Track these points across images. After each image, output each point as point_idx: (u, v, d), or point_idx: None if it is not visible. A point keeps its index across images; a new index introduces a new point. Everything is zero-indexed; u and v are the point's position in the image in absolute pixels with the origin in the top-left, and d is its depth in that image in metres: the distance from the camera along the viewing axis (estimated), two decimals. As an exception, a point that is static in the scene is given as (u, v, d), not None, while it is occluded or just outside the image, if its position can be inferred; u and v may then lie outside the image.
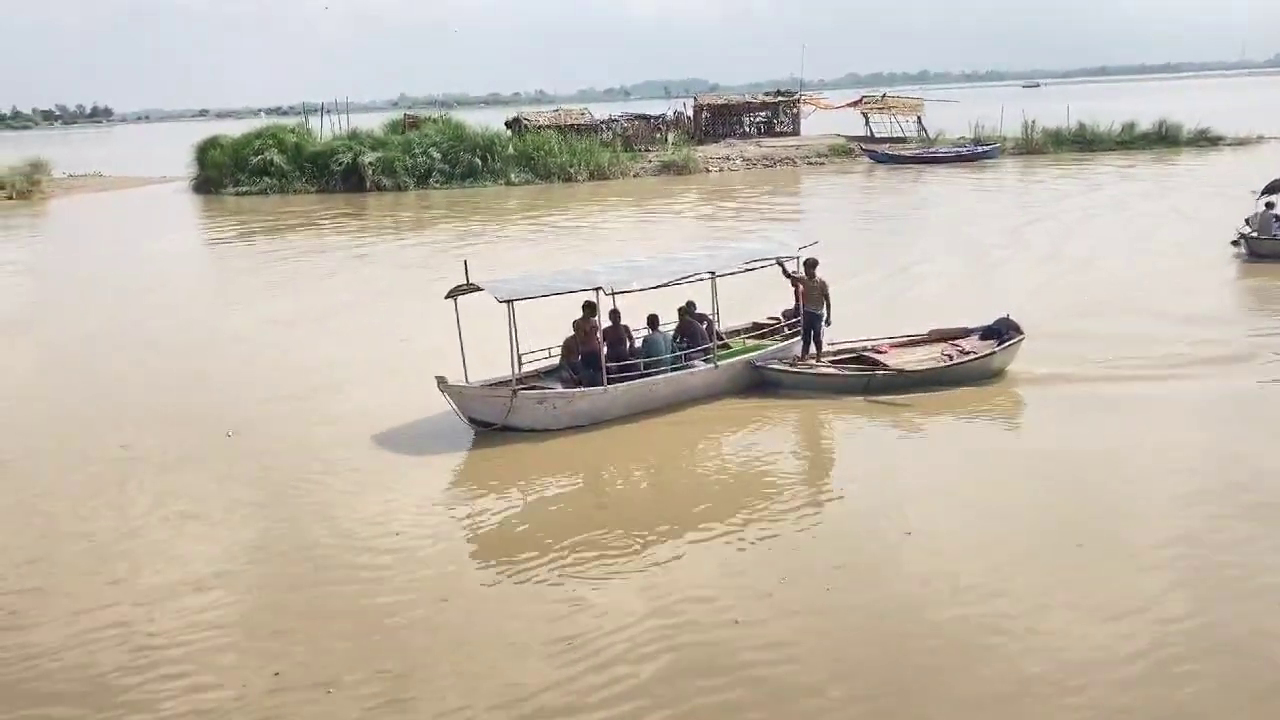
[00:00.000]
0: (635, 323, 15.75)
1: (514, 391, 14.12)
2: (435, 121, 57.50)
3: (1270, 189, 25.13)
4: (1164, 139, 57.25)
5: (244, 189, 51.13)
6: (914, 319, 18.27)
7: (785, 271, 16.40)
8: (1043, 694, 7.88)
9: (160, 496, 12.49)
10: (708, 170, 53.91)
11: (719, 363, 15.54)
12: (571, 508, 12.18)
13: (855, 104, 64.04)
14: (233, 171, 52.49)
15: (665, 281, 15.19)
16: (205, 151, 54.82)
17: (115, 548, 11.11)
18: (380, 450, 13.90)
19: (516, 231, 35.93)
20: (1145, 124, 58.00)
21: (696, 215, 38.87)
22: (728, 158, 55.97)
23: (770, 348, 16.36)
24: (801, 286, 16.09)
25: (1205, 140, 57.08)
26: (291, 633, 9.25)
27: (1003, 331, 16.14)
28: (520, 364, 14.77)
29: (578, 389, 14.62)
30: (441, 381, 13.95)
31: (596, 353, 14.78)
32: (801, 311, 16.08)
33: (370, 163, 50.90)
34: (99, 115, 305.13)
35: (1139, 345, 17.13)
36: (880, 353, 16.06)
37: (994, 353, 15.57)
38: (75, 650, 9.00)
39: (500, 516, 11.92)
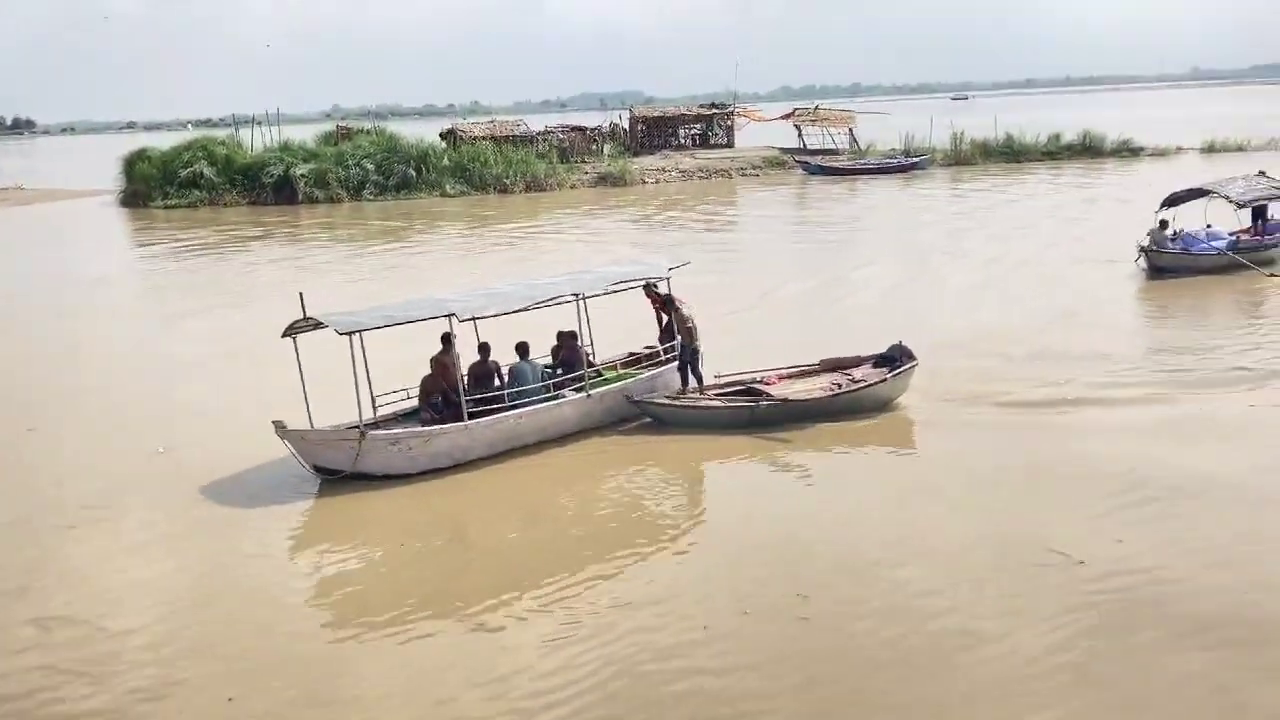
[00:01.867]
0: (509, 357, 14.59)
1: (362, 433, 12.72)
2: (368, 133, 57.16)
3: (1169, 202, 25.22)
4: (1088, 149, 58.69)
5: (173, 202, 50.20)
6: (833, 337, 17.94)
7: (650, 292, 15.79)
8: None
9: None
10: (644, 182, 54.14)
11: (592, 391, 14.45)
12: (431, 560, 11.03)
13: (788, 116, 64.70)
14: (161, 184, 51.49)
15: (524, 306, 14.06)
16: (133, 164, 53.75)
17: None
18: (209, 502, 12.57)
19: (449, 243, 35.80)
20: (1070, 135, 59.43)
21: (635, 226, 38.98)
22: (664, 169, 56.26)
23: (644, 376, 15.30)
24: (668, 314, 15.53)
25: (1127, 151, 58.61)
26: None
27: (896, 358, 15.41)
28: (375, 406, 13.74)
29: (435, 428, 13.28)
30: (279, 427, 12.60)
31: (456, 388, 13.58)
32: (678, 345, 15.25)
33: (303, 175, 50.33)
34: (21, 127, 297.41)
35: (1039, 369, 16.60)
36: (769, 384, 15.17)
37: (883, 380, 14.87)
38: None
39: (347, 574, 10.81)
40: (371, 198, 50.33)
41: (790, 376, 15.51)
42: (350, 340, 12.64)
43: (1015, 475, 12.44)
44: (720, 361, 15.79)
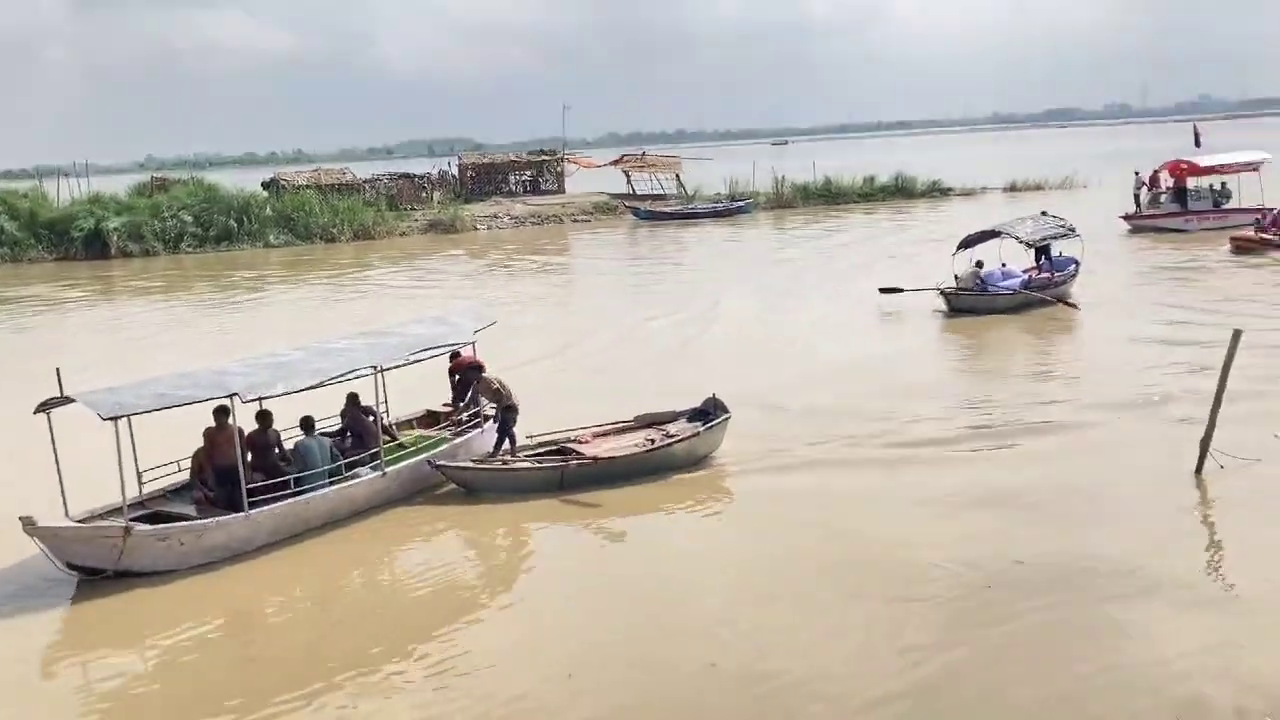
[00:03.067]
0: (289, 421, 13.39)
1: (126, 529, 11.31)
2: (186, 183, 55.13)
3: (964, 244, 25.72)
4: (901, 191, 61.72)
5: (-30, 257, 47.09)
6: (654, 389, 17.80)
7: (454, 359, 15.26)
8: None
9: None
10: (476, 228, 53.95)
11: (388, 469, 13.40)
12: (208, 666, 9.94)
13: (617, 162, 65.65)
14: (-44, 239, 48.23)
15: (317, 382, 12.84)
16: (-76, 217, 50.17)
17: None
18: None
19: (275, 297, 34.78)
20: (884, 177, 62.32)
21: (466, 274, 38.77)
22: (495, 215, 56.22)
23: (452, 442, 14.50)
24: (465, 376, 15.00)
25: (937, 191, 61.94)
26: None
27: (710, 412, 15.16)
28: (141, 483, 12.52)
29: (210, 520, 11.94)
30: (28, 523, 11.14)
31: (234, 467, 12.20)
32: (491, 409, 14.71)
33: (115, 228, 47.96)
34: None
35: (849, 422, 16.28)
36: (582, 442, 14.58)
37: (696, 434, 14.52)
38: None
39: (115, 686, 9.70)
40: (191, 250, 48.45)
41: (605, 434, 14.98)
42: (115, 424, 11.28)
43: (818, 537, 12.13)
44: (535, 419, 15.11)
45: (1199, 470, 13.29)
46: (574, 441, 14.67)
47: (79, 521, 11.65)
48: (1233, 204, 37.74)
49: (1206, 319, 22.31)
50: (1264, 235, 31.80)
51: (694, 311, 27.62)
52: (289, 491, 12.58)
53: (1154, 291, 27.01)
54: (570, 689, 9.07)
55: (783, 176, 61.10)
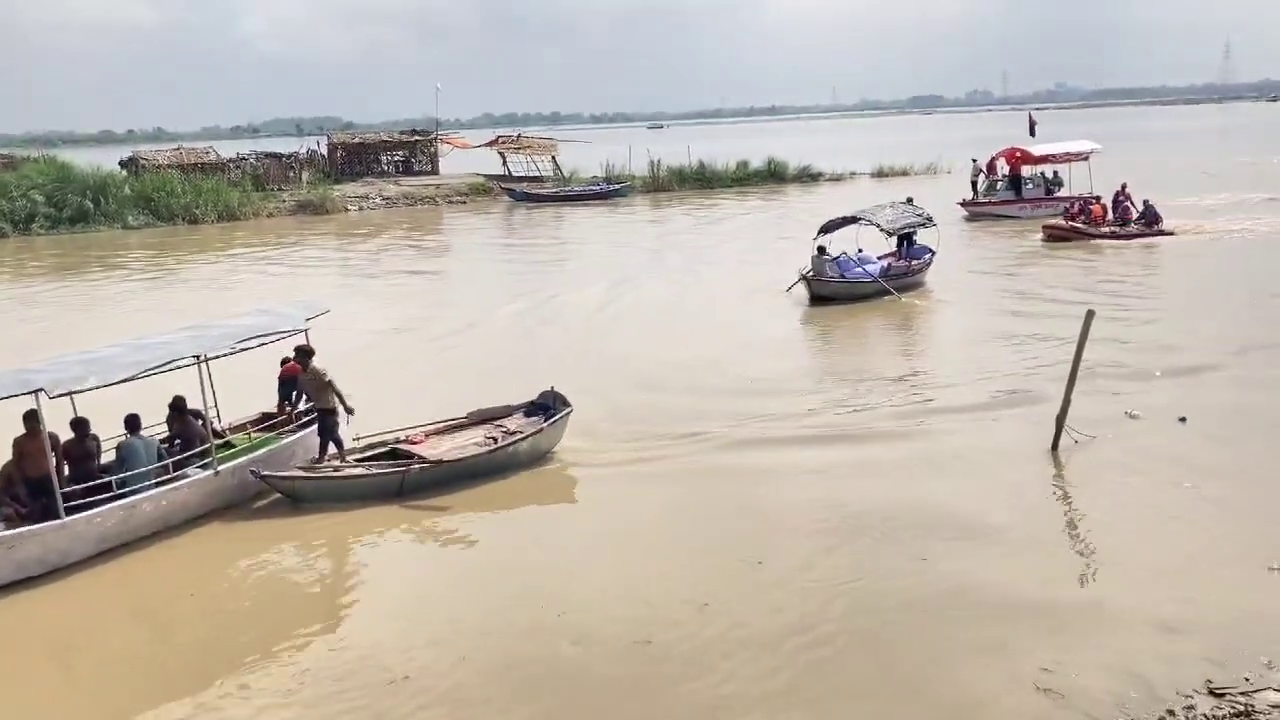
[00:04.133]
0: (114, 429, 12.38)
1: None
2: (36, 161, 52.52)
3: (824, 229, 25.74)
4: (773, 175, 62.69)
5: None
6: (497, 380, 17.27)
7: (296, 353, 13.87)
8: None
9: None
10: (347, 209, 52.88)
11: (220, 467, 12.42)
12: (19, 699, 8.96)
13: (492, 144, 65.12)
14: None
15: (133, 374, 11.62)
16: None
17: None
18: None
19: (131, 281, 33.46)
20: (756, 162, 63.23)
21: (331, 257, 37.99)
22: (367, 196, 55.16)
23: (273, 446, 13.30)
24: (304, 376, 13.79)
25: (808, 176, 63.10)
26: None
27: (549, 406, 14.71)
28: None
29: (22, 529, 10.74)
30: None
31: (48, 476, 11.03)
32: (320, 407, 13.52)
33: (-42, 207, 45.48)
34: None
35: (698, 411, 16.00)
36: (415, 443, 13.76)
37: (540, 431, 14.01)
38: None
39: None
40: (42, 231, 46.23)
41: (438, 433, 14.25)
42: None
43: (668, 527, 11.99)
44: (381, 411, 14.59)
45: (1055, 446, 13.86)
46: (406, 442, 13.79)
47: None
48: (1064, 192, 38.76)
49: (1039, 304, 23.40)
50: (1073, 224, 33.09)
51: (553, 296, 27.39)
52: (110, 495, 11.44)
53: (991, 278, 27.52)
54: (455, 677, 9.00)
55: (658, 160, 61.45)
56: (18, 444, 11.44)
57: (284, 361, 14.59)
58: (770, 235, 37.66)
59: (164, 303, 27.86)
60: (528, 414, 14.83)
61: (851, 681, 8.67)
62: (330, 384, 13.27)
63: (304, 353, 13.44)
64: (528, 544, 11.87)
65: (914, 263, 26.31)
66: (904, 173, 62.74)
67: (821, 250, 25.19)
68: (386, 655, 9.26)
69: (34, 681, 9.25)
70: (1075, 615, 9.51)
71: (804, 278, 24.83)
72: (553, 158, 63.87)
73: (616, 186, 58.30)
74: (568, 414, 14.53)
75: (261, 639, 9.78)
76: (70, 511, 11.00)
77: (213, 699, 8.72)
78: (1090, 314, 13.85)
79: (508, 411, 14.95)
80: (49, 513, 10.99)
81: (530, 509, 12.95)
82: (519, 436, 13.92)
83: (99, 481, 11.55)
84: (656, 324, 23.59)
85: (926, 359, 19.91)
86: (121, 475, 11.74)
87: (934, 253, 26.94)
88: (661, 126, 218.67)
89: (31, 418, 11.22)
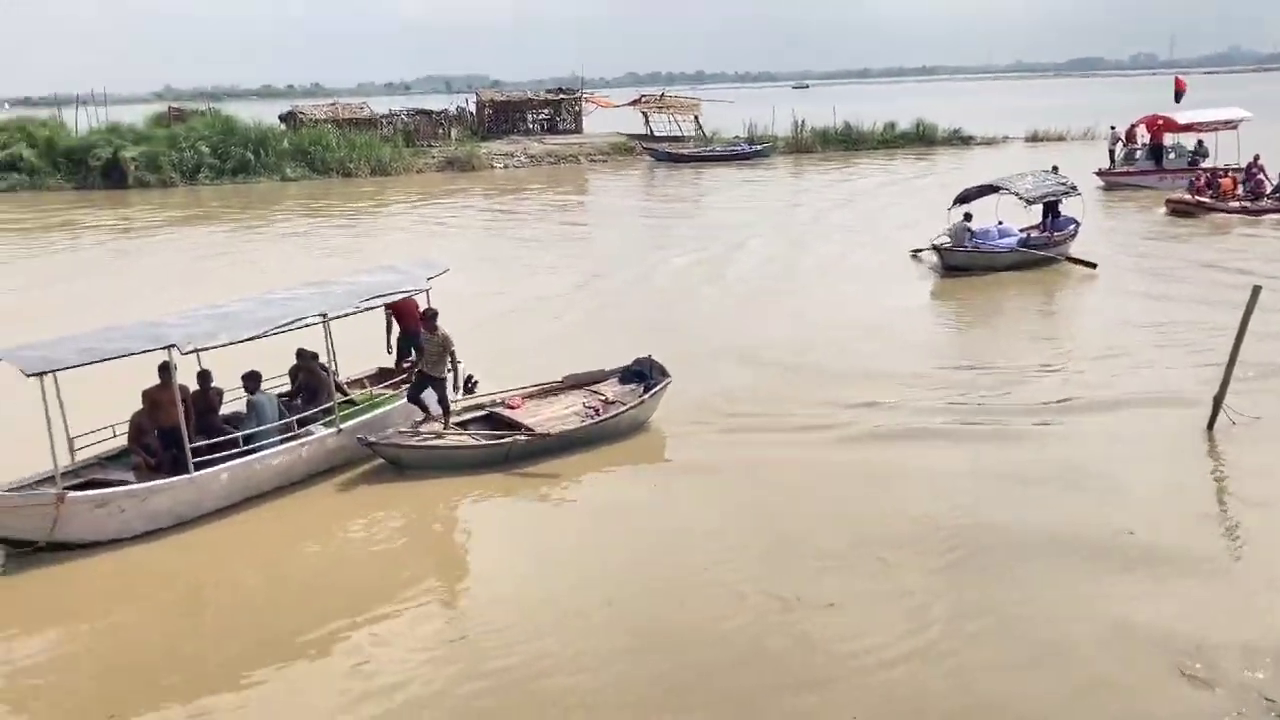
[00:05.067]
0: (230, 383, 12.68)
1: (60, 496, 10.39)
2: (203, 114, 54.98)
3: (960, 199, 24.88)
4: (921, 138, 61.17)
5: (-12, 185, 47.27)
6: (614, 343, 17.02)
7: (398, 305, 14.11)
8: None
9: None
10: (493, 166, 53.80)
11: (343, 425, 12.64)
12: (152, 642, 9.20)
13: (635, 103, 65.22)
14: (-25, 166, 48.43)
15: (262, 331, 11.77)
16: (-58, 145, 50.36)
17: None
18: None
19: (293, 231, 34.87)
20: (904, 124, 61.78)
21: (483, 211, 38.81)
22: (512, 154, 56.01)
23: (395, 404, 13.46)
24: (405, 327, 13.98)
25: (958, 140, 61.35)
26: None
27: (645, 374, 14.44)
28: (73, 450, 11.58)
29: (154, 483, 11.03)
30: None
31: (178, 428, 11.30)
32: (416, 372, 13.54)
33: (133, 158, 48.06)
34: None
35: (815, 388, 15.50)
36: (512, 407, 13.77)
37: (642, 402, 13.85)
38: None
39: (39, 669, 8.89)
40: (208, 182, 48.49)
41: (533, 396, 14.19)
42: (42, 381, 10.29)
43: (770, 513, 11.48)
44: (487, 371, 14.65)
45: (1211, 426, 13.30)
46: (503, 406, 13.84)
47: (6, 491, 10.70)
48: (1210, 163, 36.16)
49: (1170, 284, 22.21)
50: (1199, 198, 30.99)
51: (677, 258, 27.31)
52: (238, 450, 11.71)
53: (1118, 254, 25.91)
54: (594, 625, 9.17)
55: (802, 121, 60.61)
56: (150, 394, 11.76)
57: (388, 308, 14.51)
58: (912, 200, 36.64)
59: (317, 249, 29.12)
60: (622, 380, 14.63)
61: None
62: (452, 354, 13.25)
63: (430, 316, 13.43)
64: (644, 509, 11.75)
65: (1055, 234, 25.17)
66: (1060, 138, 60.52)
67: (968, 217, 24.39)
68: (524, 612, 9.42)
69: (164, 625, 9.55)
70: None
71: (935, 246, 24.11)
72: (695, 118, 63.64)
73: (759, 147, 57.76)
74: (666, 384, 14.26)
75: (382, 592, 9.94)
76: (198, 464, 11.27)
77: (340, 646, 9.02)
78: (1257, 290, 13.18)
79: (602, 376, 14.76)
80: (178, 464, 11.31)
81: (641, 479, 12.74)
82: (623, 409, 13.69)
83: (228, 437, 11.83)
84: (779, 291, 23.23)
85: (1062, 341, 18.55)
86: (248, 432, 11.97)
87: (1079, 224, 25.73)
88: (806, 86, 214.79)
89: (165, 370, 11.56)
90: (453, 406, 13.45)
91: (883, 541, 10.60)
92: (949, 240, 24.16)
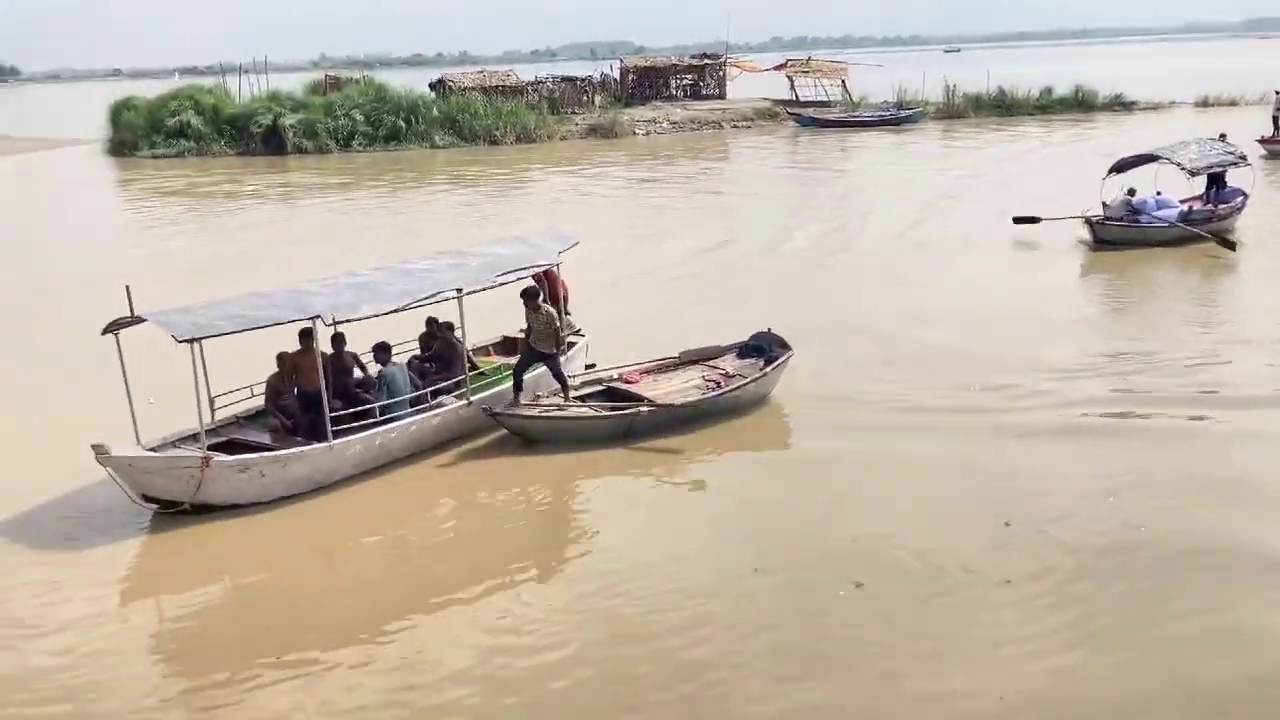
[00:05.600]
0: (357, 346, 12.81)
1: (205, 459, 10.64)
2: (357, 83, 56.61)
3: (1116, 168, 23.61)
4: (1080, 104, 58.62)
5: (160, 151, 49.78)
6: (737, 314, 16.63)
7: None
8: None
9: None
10: (635, 133, 53.90)
11: (473, 398, 12.71)
12: (287, 603, 9.36)
13: (781, 68, 64.38)
14: (148, 133, 51.06)
15: (402, 305, 11.96)
16: (119, 113, 53.29)
17: None
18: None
19: (440, 197, 35.67)
20: (1062, 89, 59.29)
21: (620, 177, 38.94)
22: (655, 120, 55.97)
23: (534, 372, 13.29)
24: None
25: (1120, 105, 58.55)
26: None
27: (765, 348, 14.07)
28: (213, 408, 11.79)
29: (294, 449, 11.25)
30: (100, 452, 10.39)
31: (319, 393, 11.48)
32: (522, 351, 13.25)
33: (291, 125, 49.95)
34: (4, 74, 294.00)
35: (945, 368, 14.82)
36: (630, 382, 13.50)
37: (764, 375, 13.50)
38: None
39: (183, 626, 9.17)
40: (361, 148, 49.99)
41: (650, 372, 13.91)
42: (191, 346, 10.56)
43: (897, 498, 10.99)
44: (625, 339, 14.56)
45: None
46: (622, 381, 13.59)
47: (151, 449, 10.95)
48: None
49: None
50: None
51: (832, 226, 26.87)
52: (373, 421, 11.86)
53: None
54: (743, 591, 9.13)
55: (954, 86, 58.79)
56: (291, 359, 11.97)
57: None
58: (1067, 170, 34.67)
59: (464, 214, 29.71)
60: (740, 355, 14.27)
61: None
62: (556, 331, 12.96)
63: (532, 294, 13.04)
64: (773, 484, 11.50)
65: (1220, 207, 23.33)
66: (1233, 103, 57.00)
67: (1131, 191, 22.98)
68: (669, 579, 9.38)
69: (301, 583, 9.74)
70: None
71: (1086, 219, 22.66)
72: (842, 82, 62.41)
73: (907, 113, 56.29)
74: (788, 357, 13.88)
75: (516, 561, 10.01)
76: (335, 432, 11.42)
77: (481, 603, 9.16)
78: None
79: (719, 352, 14.42)
80: (315, 428, 11.50)
81: (764, 455, 12.51)
82: (745, 380, 13.39)
83: (365, 407, 11.99)
84: (917, 262, 22.37)
85: (1225, 328, 17.07)
86: (384, 403, 12.04)
87: (1246, 196, 23.89)
88: (958, 50, 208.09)
89: (307, 336, 11.77)
90: (571, 382, 13.32)
91: (1036, 537, 10.03)
92: (1102, 212, 22.77)
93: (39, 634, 8.82)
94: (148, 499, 10.82)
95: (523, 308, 13.02)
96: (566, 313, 14.13)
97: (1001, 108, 58.05)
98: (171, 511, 10.79)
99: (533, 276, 13.75)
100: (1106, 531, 10.00)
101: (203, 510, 10.78)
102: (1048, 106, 58.15)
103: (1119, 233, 22.44)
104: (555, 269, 14.07)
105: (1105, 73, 69.55)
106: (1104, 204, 23.07)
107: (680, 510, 11.05)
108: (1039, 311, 17.89)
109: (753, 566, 9.55)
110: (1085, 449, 12.03)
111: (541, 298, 13.12)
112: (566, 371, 13.48)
